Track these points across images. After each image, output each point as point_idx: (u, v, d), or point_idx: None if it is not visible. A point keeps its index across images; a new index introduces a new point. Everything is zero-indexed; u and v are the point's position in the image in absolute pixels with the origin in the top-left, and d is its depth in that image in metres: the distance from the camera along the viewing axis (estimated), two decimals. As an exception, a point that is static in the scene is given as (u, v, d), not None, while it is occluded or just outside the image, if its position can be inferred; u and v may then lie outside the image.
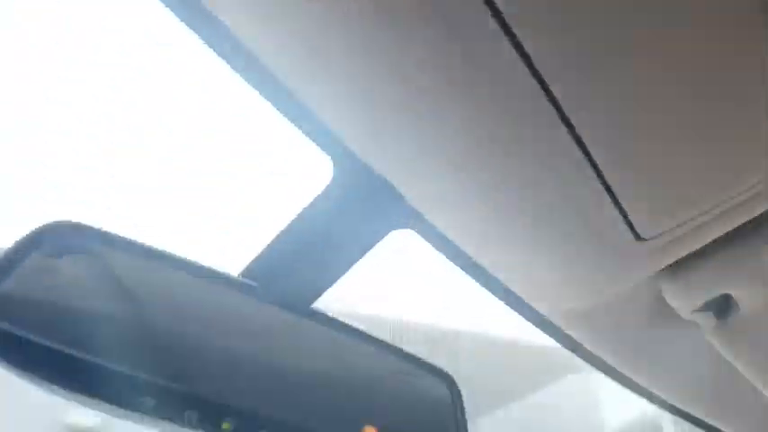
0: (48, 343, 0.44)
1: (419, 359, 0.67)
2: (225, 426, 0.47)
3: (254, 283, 0.57)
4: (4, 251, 0.45)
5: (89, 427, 6.74)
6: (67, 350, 0.45)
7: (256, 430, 0.50)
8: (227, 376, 0.50)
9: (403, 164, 0.55)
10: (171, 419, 0.48)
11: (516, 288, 0.69)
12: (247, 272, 0.61)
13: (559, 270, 0.62)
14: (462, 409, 0.67)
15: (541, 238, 0.58)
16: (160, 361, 0.49)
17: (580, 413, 7.46)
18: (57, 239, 0.46)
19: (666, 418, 6.90)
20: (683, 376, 0.86)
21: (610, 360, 0.82)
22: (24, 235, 0.45)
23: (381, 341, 0.64)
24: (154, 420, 0.48)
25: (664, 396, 0.90)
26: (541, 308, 0.72)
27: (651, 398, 0.93)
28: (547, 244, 0.59)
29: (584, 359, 0.84)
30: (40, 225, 0.46)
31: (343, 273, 0.64)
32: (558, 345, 0.81)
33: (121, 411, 0.47)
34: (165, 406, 0.47)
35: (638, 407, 7.35)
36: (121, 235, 0.50)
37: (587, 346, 0.79)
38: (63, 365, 0.45)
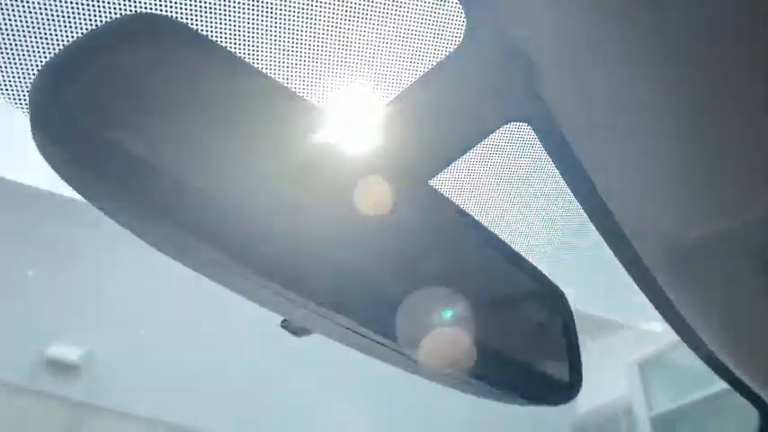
0: (155, 160, 0.33)
1: (533, 267, 0.60)
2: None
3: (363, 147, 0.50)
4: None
5: (71, 360, 6.87)
6: (180, 175, 0.34)
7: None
8: (331, 238, 0.42)
9: (549, 41, 0.47)
10: (296, 290, 0.39)
11: (622, 216, 0.63)
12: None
13: (681, 195, 0.56)
14: (574, 331, 0.61)
15: (678, 157, 0.52)
16: (276, 209, 0.40)
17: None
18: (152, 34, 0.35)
19: (637, 401, 7.07)
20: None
21: (696, 311, 0.74)
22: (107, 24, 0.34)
23: (496, 237, 0.58)
24: (265, 287, 0.39)
25: (739, 367, 0.82)
26: (641, 243, 0.65)
27: (719, 369, 0.85)
28: (681, 164, 0.52)
29: (660, 310, 0.77)
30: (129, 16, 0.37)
31: (458, 156, 0.58)
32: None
33: (239, 269, 0.37)
34: (281, 268, 0.38)
35: (609, 390, 7.54)
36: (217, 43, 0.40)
37: (677, 291, 0.72)
38: (173, 191, 0.34)
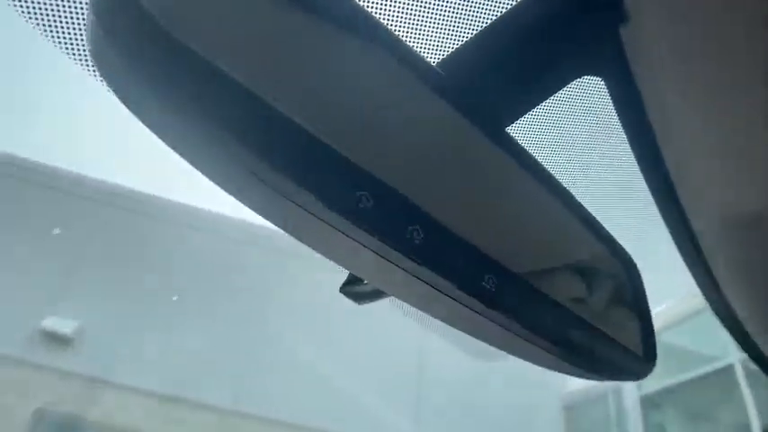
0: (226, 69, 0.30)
1: (607, 232, 0.57)
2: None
3: (448, 77, 0.47)
4: None
5: (65, 333, 6.91)
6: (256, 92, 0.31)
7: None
8: (411, 177, 0.39)
9: None
10: (385, 234, 0.35)
11: (683, 186, 0.60)
12: (443, 64, 0.50)
13: (749, 167, 0.53)
14: (647, 302, 0.58)
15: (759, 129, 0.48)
16: (368, 146, 0.36)
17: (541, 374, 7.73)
18: None
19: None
20: None
21: (735, 282, 0.72)
22: None
23: (571, 195, 0.54)
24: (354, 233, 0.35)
25: None
26: (697, 214, 0.62)
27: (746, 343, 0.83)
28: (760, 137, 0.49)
29: (697, 277, 0.74)
30: None
31: (533, 105, 0.54)
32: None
33: (319, 208, 0.33)
34: (386, 212, 0.35)
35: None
36: None
37: (721, 262, 0.69)
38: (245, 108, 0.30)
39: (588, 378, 0.56)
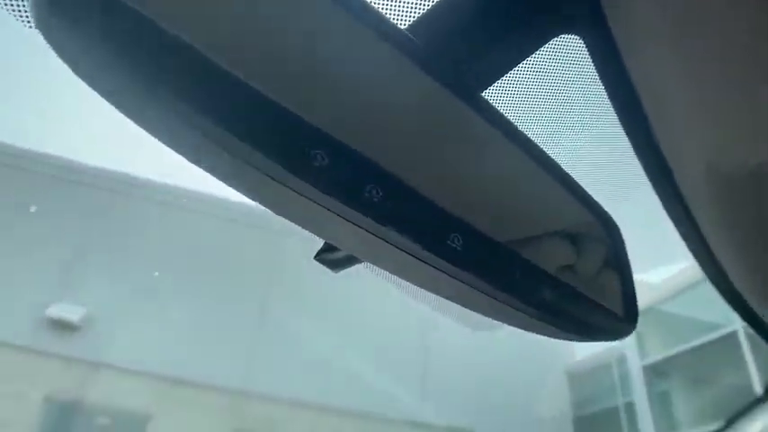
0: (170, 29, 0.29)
1: (586, 194, 0.56)
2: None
3: (416, 40, 0.46)
4: None
5: (72, 321, 6.96)
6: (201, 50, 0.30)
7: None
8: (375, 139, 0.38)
9: None
10: (341, 192, 0.35)
11: (668, 144, 0.59)
12: (412, 29, 0.49)
13: (734, 120, 0.53)
14: (628, 263, 0.57)
15: (744, 80, 0.48)
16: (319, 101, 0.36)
17: (546, 345, 7.80)
18: None
19: (630, 350, 7.24)
20: None
21: (728, 244, 0.71)
22: None
23: (549, 158, 0.54)
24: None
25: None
26: (682, 172, 0.62)
27: (735, 301, 0.82)
28: (745, 88, 0.49)
29: (689, 243, 0.74)
30: None
31: (507, 69, 0.54)
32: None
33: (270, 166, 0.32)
34: (342, 170, 0.34)
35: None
36: None
37: (712, 223, 0.69)
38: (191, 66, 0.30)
39: (568, 339, 0.56)
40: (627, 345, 7.20)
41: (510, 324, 0.54)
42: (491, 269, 0.45)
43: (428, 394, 7.37)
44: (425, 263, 0.40)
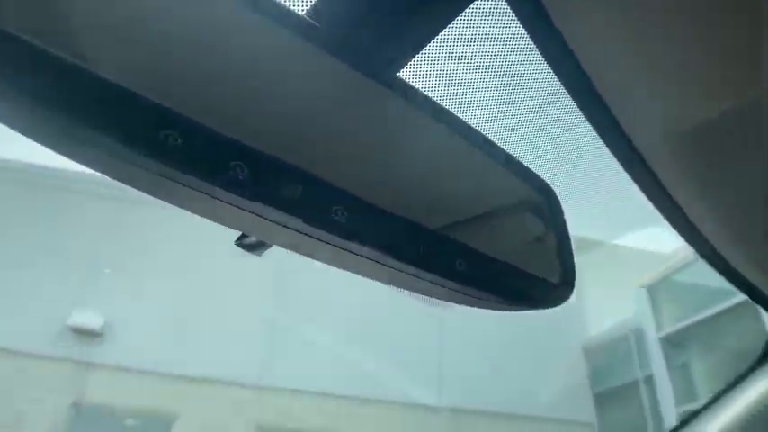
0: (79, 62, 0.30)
1: (519, 164, 0.55)
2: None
3: (317, 24, 0.44)
4: None
5: (92, 328, 7.04)
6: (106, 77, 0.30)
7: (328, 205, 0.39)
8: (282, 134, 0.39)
9: None
10: (203, 170, 0.34)
11: (619, 109, 0.57)
12: (313, 13, 0.47)
13: (683, 78, 0.51)
14: (566, 230, 0.56)
15: (684, 38, 0.47)
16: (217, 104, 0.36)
17: (565, 316, 7.78)
18: None
19: (646, 322, 7.21)
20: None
21: (700, 204, 0.69)
22: None
23: (476, 131, 0.52)
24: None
25: (731, 253, 0.78)
26: (640, 136, 0.60)
27: (708, 254, 0.80)
28: (687, 45, 0.48)
29: (664, 212, 0.71)
30: None
31: (426, 41, 0.51)
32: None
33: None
34: (201, 149, 0.34)
35: (619, 313, 7.68)
36: None
37: (679, 185, 0.67)
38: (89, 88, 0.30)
39: (502, 309, 0.55)
40: (643, 317, 7.19)
41: (447, 300, 0.53)
42: (385, 240, 0.43)
43: (445, 377, 7.40)
44: (316, 239, 0.39)
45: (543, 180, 0.57)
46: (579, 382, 7.85)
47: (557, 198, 0.57)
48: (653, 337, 7.11)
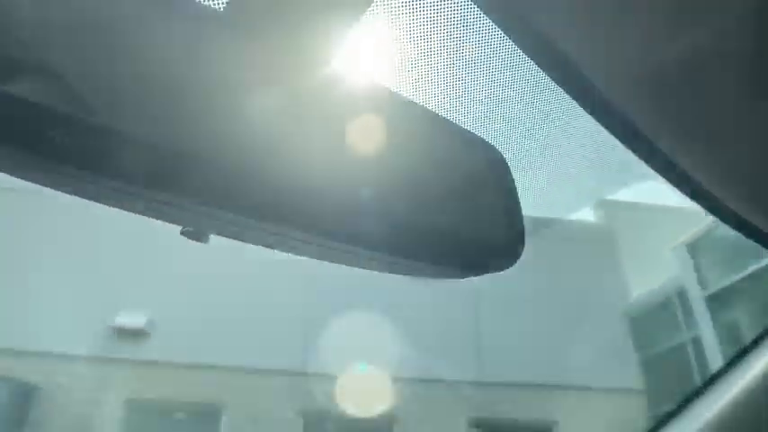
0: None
1: (462, 131, 0.56)
2: None
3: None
4: None
5: (135, 328, 7.28)
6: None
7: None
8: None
9: None
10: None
11: (582, 56, 0.57)
12: None
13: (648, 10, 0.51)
14: (514, 192, 0.57)
15: None
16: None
17: (605, 282, 7.67)
18: None
19: (689, 282, 7.05)
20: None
21: (668, 134, 0.69)
22: None
23: (415, 104, 0.54)
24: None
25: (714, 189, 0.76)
26: (610, 84, 0.60)
27: (696, 194, 0.79)
28: None
29: (622, 137, 0.71)
30: None
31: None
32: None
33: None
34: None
35: (664, 274, 7.52)
36: None
37: (656, 128, 0.67)
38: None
39: (453, 277, 0.56)
40: (685, 276, 7.02)
41: (398, 273, 0.54)
42: (311, 217, 0.43)
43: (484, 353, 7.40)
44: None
45: (490, 145, 0.57)
46: (623, 349, 7.73)
47: (504, 161, 0.58)
48: (697, 297, 6.95)
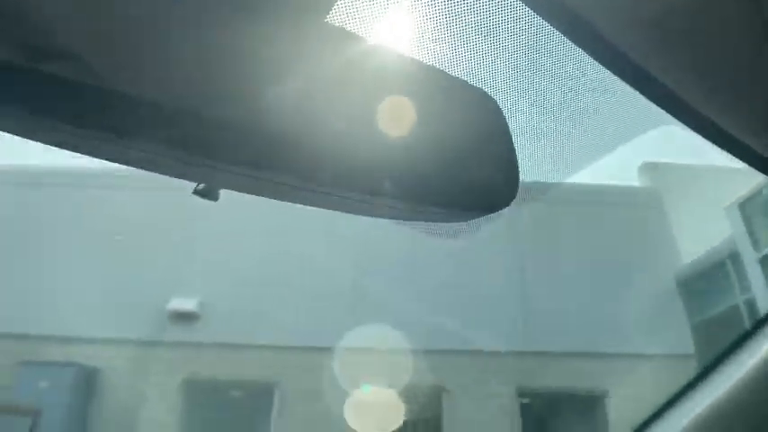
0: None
1: (452, 78, 0.58)
2: None
3: None
4: None
5: (189, 311, 7.55)
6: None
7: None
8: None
9: None
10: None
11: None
12: None
13: None
14: (507, 133, 0.59)
15: None
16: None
17: (655, 245, 7.48)
18: None
19: (742, 244, 6.80)
20: None
21: (683, 78, 0.70)
22: None
23: (403, 56, 0.56)
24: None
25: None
26: (619, 33, 0.61)
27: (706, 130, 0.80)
28: None
29: (635, 84, 0.72)
30: None
31: None
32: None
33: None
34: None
35: (716, 236, 7.28)
36: None
37: (661, 58, 0.67)
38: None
39: (450, 221, 0.58)
40: (738, 238, 6.78)
41: (396, 218, 0.57)
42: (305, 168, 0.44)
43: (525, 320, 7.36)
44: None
45: (480, 89, 0.59)
46: (675, 314, 7.56)
47: (495, 104, 0.59)
48: (751, 258, 6.71)
